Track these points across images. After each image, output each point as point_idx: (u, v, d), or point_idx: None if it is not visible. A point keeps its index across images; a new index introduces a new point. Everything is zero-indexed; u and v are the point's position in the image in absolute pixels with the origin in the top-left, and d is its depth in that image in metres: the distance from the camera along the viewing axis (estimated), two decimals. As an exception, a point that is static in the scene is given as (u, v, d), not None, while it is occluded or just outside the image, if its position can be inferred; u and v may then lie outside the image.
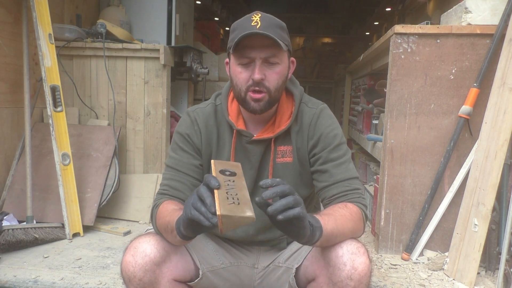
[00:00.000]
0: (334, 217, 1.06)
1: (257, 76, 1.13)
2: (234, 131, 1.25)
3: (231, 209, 0.90)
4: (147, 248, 1.11)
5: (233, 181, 1.00)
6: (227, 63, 1.25)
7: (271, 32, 1.10)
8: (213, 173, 1.00)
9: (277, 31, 1.13)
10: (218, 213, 0.87)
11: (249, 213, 0.92)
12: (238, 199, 0.94)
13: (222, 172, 1.03)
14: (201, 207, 0.90)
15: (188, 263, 1.22)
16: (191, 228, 0.96)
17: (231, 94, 1.29)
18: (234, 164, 1.11)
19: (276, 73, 1.16)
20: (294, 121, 1.25)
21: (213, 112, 1.28)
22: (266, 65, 1.15)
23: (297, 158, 1.26)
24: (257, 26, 1.11)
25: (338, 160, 1.22)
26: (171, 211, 1.09)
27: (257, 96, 1.15)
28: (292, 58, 1.24)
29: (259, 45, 1.12)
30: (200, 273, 1.23)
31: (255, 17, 1.14)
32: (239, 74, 1.16)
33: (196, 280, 1.23)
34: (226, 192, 0.94)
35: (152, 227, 1.22)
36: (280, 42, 1.11)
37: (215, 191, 0.92)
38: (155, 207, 1.19)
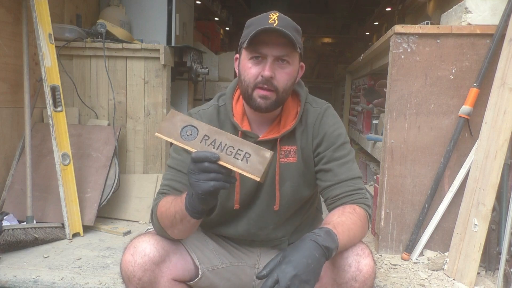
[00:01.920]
0: (348, 227, 1.06)
1: (267, 73, 1.12)
2: (240, 132, 1.24)
3: (255, 164, 0.91)
4: (146, 248, 1.11)
5: (214, 140, 0.95)
6: (236, 58, 1.24)
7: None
8: (174, 142, 0.96)
9: (293, 32, 1.13)
10: (259, 180, 0.91)
11: (267, 153, 0.93)
12: (243, 152, 0.93)
13: (184, 135, 0.96)
14: (218, 175, 0.92)
15: (188, 263, 1.22)
16: (208, 200, 0.97)
17: (236, 95, 1.28)
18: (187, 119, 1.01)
19: (286, 73, 1.15)
20: (299, 121, 1.25)
21: (216, 113, 1.28)
22: (278, 64, 1.14)
23: (301, 158, 1.26)
24: (274, 25, 1.10)
25: (342, 160, 1.22)
26: (172, 201, 1.09)
27: (265, 93, 1.14)
28: (302, 63, 1.23)
29: (274, 42, 1.11)
30: (200, 272, 1.23)
31: (273, 15, 1.13)
32: (249, 69, 1.15)
33: (195, 280, 1.23)
34: (228, 155, 0.93)
35: (152, 227, 1.22)
36: (295, 42, 1.11)
37: (221, 162, 0.92)
38: (155, 206, 1.19)
